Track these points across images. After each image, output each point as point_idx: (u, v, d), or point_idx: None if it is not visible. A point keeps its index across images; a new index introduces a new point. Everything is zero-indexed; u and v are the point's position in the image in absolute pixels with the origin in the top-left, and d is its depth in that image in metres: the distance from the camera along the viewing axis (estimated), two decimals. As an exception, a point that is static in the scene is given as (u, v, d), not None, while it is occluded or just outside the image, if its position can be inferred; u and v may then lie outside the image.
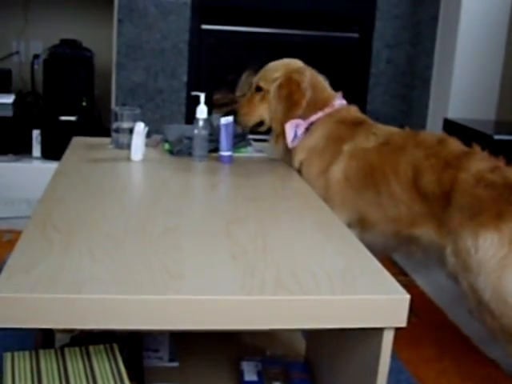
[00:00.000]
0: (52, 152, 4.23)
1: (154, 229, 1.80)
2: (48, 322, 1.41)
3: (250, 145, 2.82)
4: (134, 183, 2.36)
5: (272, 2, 4.30)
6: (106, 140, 2.89)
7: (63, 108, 4.19)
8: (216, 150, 2.65)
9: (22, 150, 4.33)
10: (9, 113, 4.27)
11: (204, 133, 2.56)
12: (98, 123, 4.55)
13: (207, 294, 1.43)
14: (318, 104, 2.67)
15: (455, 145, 2.47)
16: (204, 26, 4.27)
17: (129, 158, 2.53)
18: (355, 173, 2.56)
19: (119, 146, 2.70)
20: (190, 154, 2.61)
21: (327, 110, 2.67)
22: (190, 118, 4.16)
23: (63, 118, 4.17)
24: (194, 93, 2.70)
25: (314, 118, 2.65)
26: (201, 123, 2.55)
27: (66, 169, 2.39)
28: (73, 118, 4.16)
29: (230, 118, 2.58)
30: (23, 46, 4.87)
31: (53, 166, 4.07)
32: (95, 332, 2.14)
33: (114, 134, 2.73)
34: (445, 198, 2.35)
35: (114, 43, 4.25)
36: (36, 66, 4.61)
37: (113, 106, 4.29)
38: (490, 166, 2.34)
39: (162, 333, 2.30)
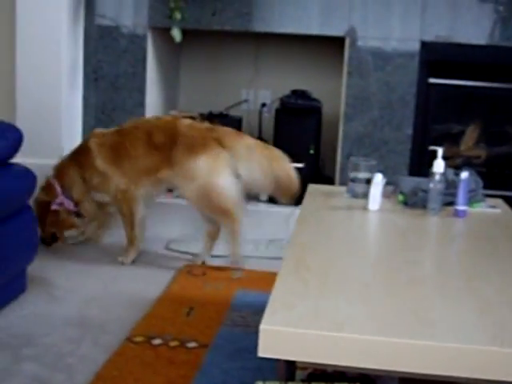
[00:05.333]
0: (278, 196, 4.42)
1: (400, 277, 1.89)
2: (309, 356, 1.53)
3: (483, 200, 2.85)
4: (373, 232, 2.48)
5: (500, 56, 4.30)
6: (339, 188, 3.03)
7: (292, 155, 4.37)
8: (449, 203, 2.70)
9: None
10: (239, 158, 4.52)
11: (440, 187, 2.62)
12: (321, 171, 4.71)
13: (460, 342, 1.50)
14: None
15: (167, 116, 4.10)
16: (431, 80, 4.35)
17: (365, 208, 2.64)
18: (109, 155, 3.80)
19: (355, 195, 2.82)
20: (423, 207, 2.68)
21: None
22: (414, 171, 4.23)
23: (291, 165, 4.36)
24: (432, 147, 2.78)
25: None
26: (437, 177, 2.62)
27: (307, 215, 2.53)
28: (300, 165, 4.33)
29: (467, 174, 2.63)
30: (252, 95, 5.14)
31: (278, 210, 4.29)
32: (328, 372, 2.24)
33: (350, 184, 2.85)
34: (171, 144, 3.70)
35: (342, 95, 4.40)
36: (266, 114, 4.85)
37: (338, 155, 4.43)
38: (192, 121, 3.84)
39: (391, 377, 2.36)
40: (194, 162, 3.63)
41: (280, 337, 1.52)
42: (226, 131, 3.75)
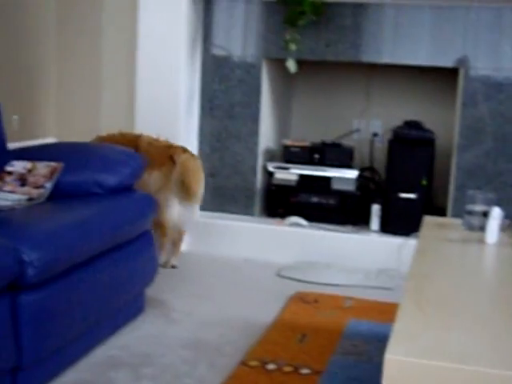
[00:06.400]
0: (389, 226, 4.44)
1: (521, 312, 1.90)
2: (432, 387, 1.56)
3: None
4: (492, 265, 2.48)
5: None
6: (454, 220, 3.04)
7: (403, 185, 4.40)
8: None
9: (360, 222, 4.60)
10: (351, 187, 4.57)
11: (561, 221, 2.61)
12: (433, 202, 4.70)
13: None
14: None
15: (131, 133, 4.34)
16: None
17: (481, 240, 2.64)
18: None
19: (471, 227, 2.82)
20: (543, 241, 2.67)
21: None
22: (529, 203, 4.18)
23: (403, 195, 4.39)
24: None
25: None
26: (557, 212, 2.61)
27: (424, 247, 2.56)
28: (412, 196, 4.35)
29: None
30: (364, 124, 5.19)
31: (389, 240, 4.32)
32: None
33: (466, 216, 2.86)
34: None
35: (456, 126, 4.40)
36: (379, 144, 4.90)
37: (451, 186, 4.41)
38: (153, 138, 4.28)
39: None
40: (148, 176, 4.06)
41: (404, 367, 1.56)
42: (177, 149, 4.23)
